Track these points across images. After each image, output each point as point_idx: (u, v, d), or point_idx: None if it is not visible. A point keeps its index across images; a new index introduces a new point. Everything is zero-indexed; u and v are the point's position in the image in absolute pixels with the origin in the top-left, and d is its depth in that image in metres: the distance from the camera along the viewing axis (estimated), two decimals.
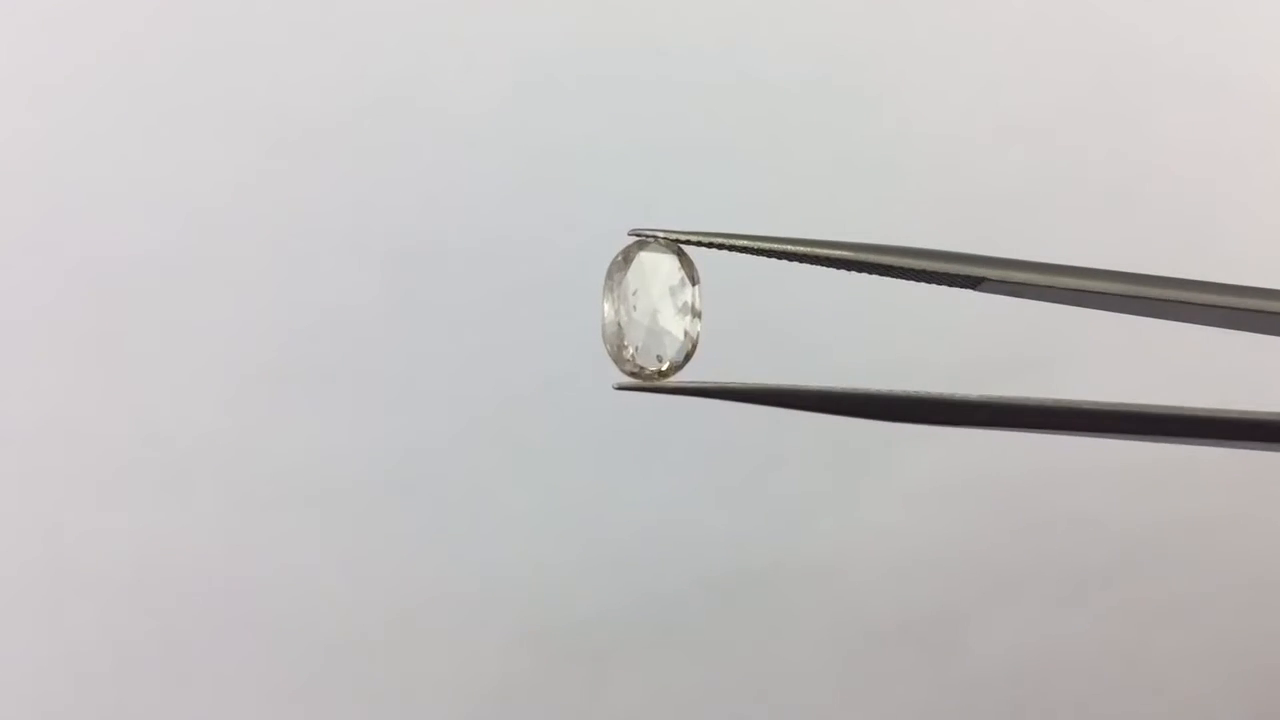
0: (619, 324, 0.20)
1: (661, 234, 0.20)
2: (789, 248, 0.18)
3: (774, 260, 0.18)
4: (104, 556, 0.43)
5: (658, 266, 0.20)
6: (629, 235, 0.20)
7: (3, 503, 0.42)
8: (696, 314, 0.20)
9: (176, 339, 0.42)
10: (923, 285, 0.19)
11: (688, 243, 0.19)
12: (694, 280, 0.20)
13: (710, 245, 0.19)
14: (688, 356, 0.20)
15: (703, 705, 0.46)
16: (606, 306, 0.20)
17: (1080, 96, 0.45)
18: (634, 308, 0.20)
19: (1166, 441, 0.19)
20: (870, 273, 0.18)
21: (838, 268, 0.18)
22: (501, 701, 0.45)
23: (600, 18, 0.43)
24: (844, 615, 0.47)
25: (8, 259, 0.41)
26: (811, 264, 0.18)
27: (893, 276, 0.18)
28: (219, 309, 0.42)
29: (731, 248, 0.19)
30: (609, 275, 0.20)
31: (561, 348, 0.43)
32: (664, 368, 0.20)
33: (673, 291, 0.20)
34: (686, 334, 0.20)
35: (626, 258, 0.20)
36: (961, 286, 0.18)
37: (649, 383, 0.20)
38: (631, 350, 0.20)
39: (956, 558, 0.47)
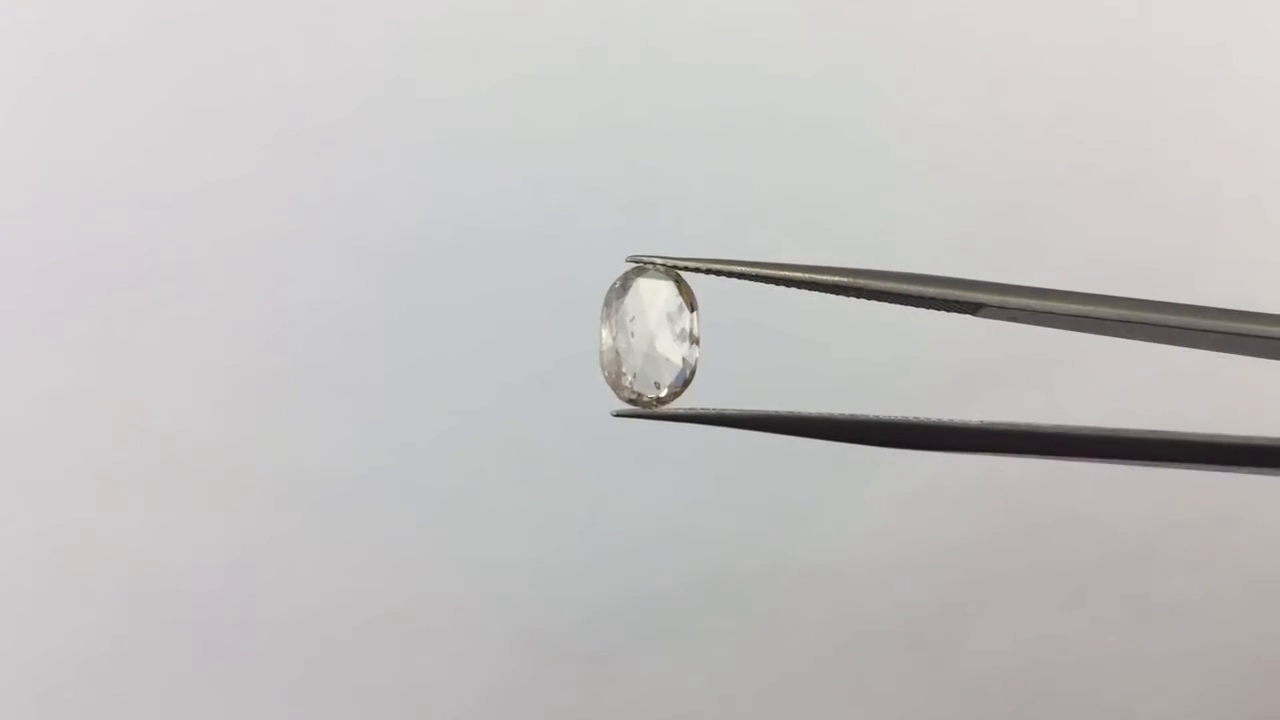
0: (616, 351, 0.20)
1: (659, 261, 0.19)
2: (786, 274, 0.18)
3: (771, 286, 0.18)
4: (104, 556, 0.43)
5: (655, 293, 0.20)
6: (627, 262, 0.20)
7: (3, 503, 0.42)
8: (695, 340, 0.20)
9: (175, 339, 0.42)
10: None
11: (685, 269, 0.19)
12: (692, 306, 0.20)
13: (708, 272, 0.19)
14: (686, 383, 0.20)
15: (702, 706, 0.47)
16: (604, 333, 0.20)
17: (1080, 95, 0.45)
18: (631, 334, 0.20)
19: (1161, 466, 0.19)
20: (867, 299, 0.18)
21: (835, 294, 0.18)
22: (501, 702, 0.45)
23: (599, 17, 0.43)
24: (843, 615, 0.47)
25: (7, 259, 0.41)
26: (808, 290, 0.18)
27: (890, 302, 0.18)
28: (218, 309, 0.42)
29: (729, 274, 0.19)
30: (606, 302, 0.20)
31: (560, 349, 0.43)
32: (662, 394, 0.20)
33: (670, 318, 0.20)
34: (684, 361, 0.20)
35: (624, 285, 0.20)
36: (960, 312, 0.18)
37: (647, 409, 0.20)
38: (629, 378, 0.20)
39: (956, 558, 0.47)
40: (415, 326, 0.43)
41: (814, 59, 0.44)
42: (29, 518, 0.42)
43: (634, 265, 0.20)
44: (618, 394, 0.20)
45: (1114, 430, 0.18)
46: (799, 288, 0.18)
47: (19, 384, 0.42)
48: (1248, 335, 0.17)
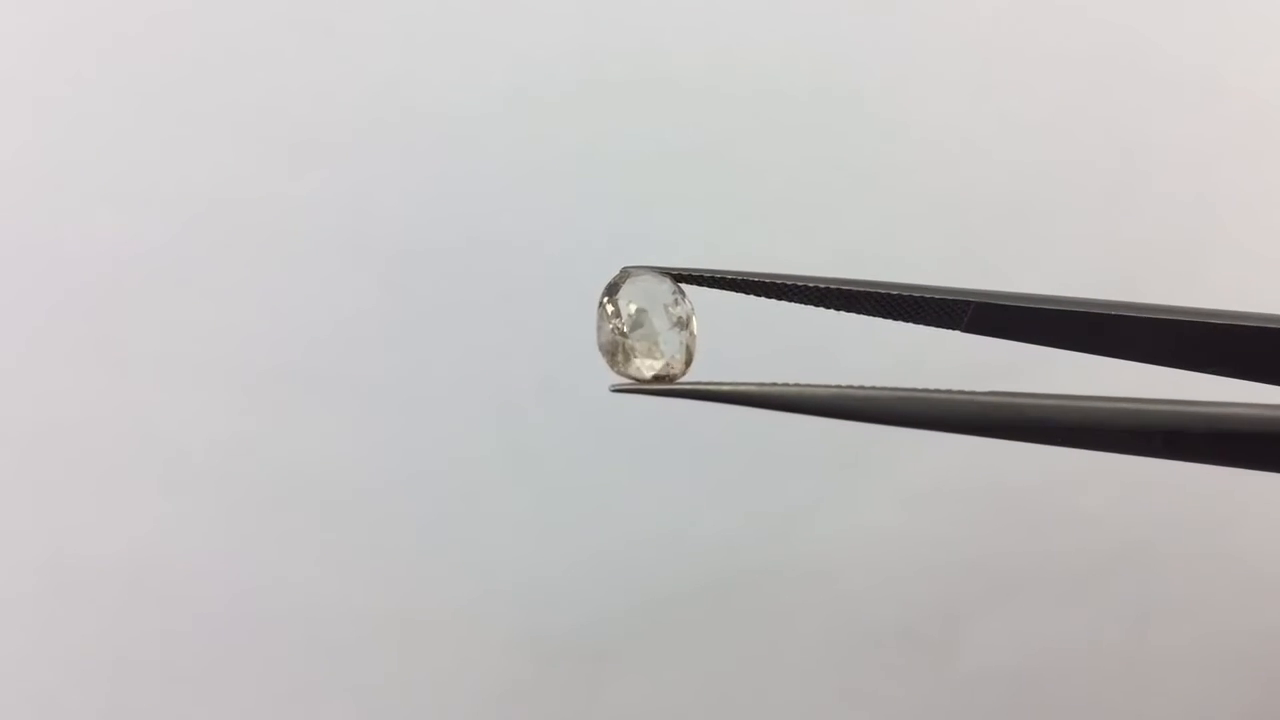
0: (614, 335, 0.20)
1: (654, 270, 0.20)
2: (777, 282, 0.18)
3: (762, 298, 0.18)
4: (104, 556, 0.43)
5: (651, 286, 0.20)
6: (621, 272, 0.20)
7: (3, 503, 0.42)
8: (692, 332, 0.20)
9: (177, 340, 0.42)
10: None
11: (678, 279, 0.19)
12: (685, 299, 0.20)
13: (699, 282, 0.19)
14: (683, 368, 0.21)
15: (702, 706, 0.47)
16: (602, 320, 0.20)
17: (1077, 99, 0.45)
18: (630, 315, 0.20)
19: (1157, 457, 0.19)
20: (854, 311, 0.18)
21: (825, 305, 0.18)
22: (501, 704, 0.45)
23: (598, 22, 0.43)
24: (843, 616, 0.47)
25: (8, 259, 0.41)
26: (798, 301, 0.18)
27: (878, 315, 0.18)
28: (219, 310, 0.42)
29: (720, 284, 0.19)
30: (603, 295, 0.20)
31: (560, 351, 0.43)
32: (658, 373, 0.20)
33: (666, 308, 0.20)
34: (681, 344, 0.20)
35: (619, 280, 0.20)
36: (947, 326, 0.18)
37: (645, 384, 0.20)
38: (628, 360, 0.20)
39: (955, 559, 0.47)
40: (415, 327, 0.43)
41: (812, 63, 0.44)
42: (29, 518, 0.43)
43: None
44: (616, 373, 0.21)
45: (1129, 402, 0.18)
46: (789, 299, 0.18)
47: (19, 384, 0.42)
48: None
